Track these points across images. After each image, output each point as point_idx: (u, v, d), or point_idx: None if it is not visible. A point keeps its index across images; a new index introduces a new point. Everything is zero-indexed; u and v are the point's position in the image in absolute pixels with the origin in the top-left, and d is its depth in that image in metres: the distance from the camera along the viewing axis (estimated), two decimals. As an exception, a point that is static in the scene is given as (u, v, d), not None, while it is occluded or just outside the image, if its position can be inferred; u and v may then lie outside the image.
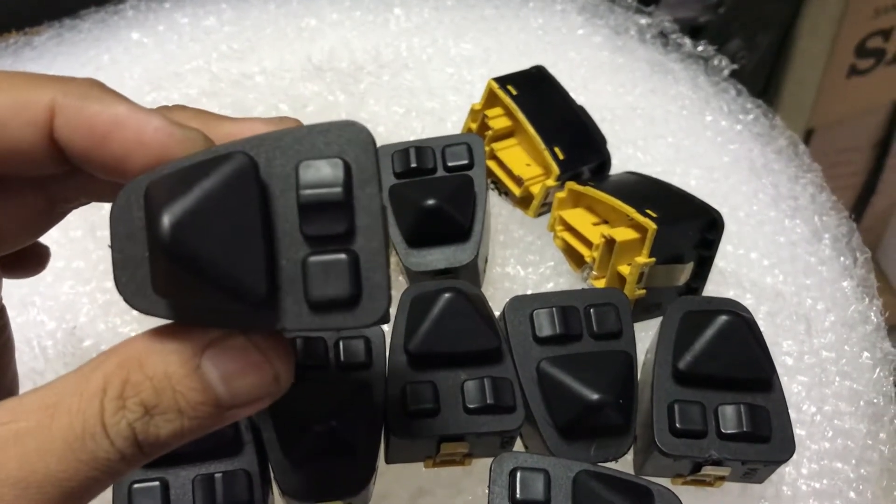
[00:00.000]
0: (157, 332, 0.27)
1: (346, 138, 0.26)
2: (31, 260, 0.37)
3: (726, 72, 0.63)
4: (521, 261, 0.50)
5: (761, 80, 1.05)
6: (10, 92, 0.29)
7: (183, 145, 0.27)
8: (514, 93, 0.49)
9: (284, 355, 0.27)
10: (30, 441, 0.25)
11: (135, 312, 0.31)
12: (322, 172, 0.26)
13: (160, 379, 0.26)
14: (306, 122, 0.61)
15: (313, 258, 0.26)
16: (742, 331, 0.38)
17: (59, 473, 0.25)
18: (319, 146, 0.26)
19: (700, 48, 0.64)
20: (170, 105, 0.31)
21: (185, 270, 0.24)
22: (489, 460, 0.35)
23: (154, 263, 0.26)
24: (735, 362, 0.38)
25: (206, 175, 0.25)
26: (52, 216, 0.34)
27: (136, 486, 0.35)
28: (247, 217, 0.25)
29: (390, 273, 0.26)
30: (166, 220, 0.24)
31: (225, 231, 0.25)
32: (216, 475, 0.35)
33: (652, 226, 0.42)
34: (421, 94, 0.59)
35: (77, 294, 0.49)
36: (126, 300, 0.27)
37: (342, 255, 0.26)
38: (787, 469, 0.43)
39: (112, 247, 0.27)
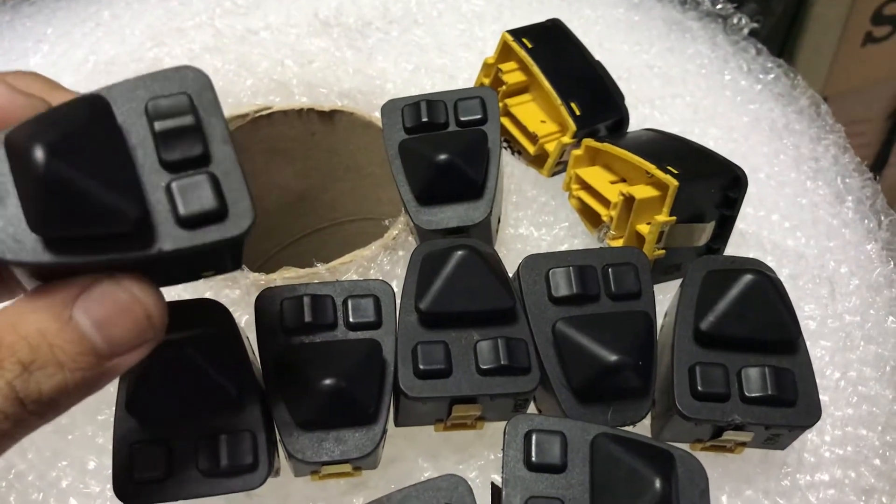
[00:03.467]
0: (27, 296, 0.28)
1: (185, 79, 0.30)
2: None
3: (746, 30, 0.61)
4: (535, 222, 0.48)
5: (776, 46, 1.04)
6: None
7: (24, 111, 0.29)
8: (530, 46, 0.47)
9: (153, 295, 0.29)
10: None
11: None
12: (172, 105, 0.29)
13: (34, 336, 0.27)
14: (313, 79, 0.59)
15: (176, 182, 0.28)
16: (767, 291, 0.37)
17: None
18: (162, 88, 0.29)
19: (719, 6, 0.62)
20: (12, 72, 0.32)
21: (60, 198, 0.26)
22: (501, 425, 0.34)
23: (27, 202, 0.27)
24: (760, 323, 0.37)
25: (66, 115, 0.27)
26: None
27: (137, 446, 0.34)
28: (112, 147, 0.28)
29: (250, 188, 0.29)
30: (39, 150, 0.26)
31: (94, 159, 0.27)
32: (220, 436, 0.34)
33: (673, 182, 0.40)
34: (431, 51, 0.58)
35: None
36: None
37: (202, 175, 0.29)
38: (809, 436, 0.42)
39: None
